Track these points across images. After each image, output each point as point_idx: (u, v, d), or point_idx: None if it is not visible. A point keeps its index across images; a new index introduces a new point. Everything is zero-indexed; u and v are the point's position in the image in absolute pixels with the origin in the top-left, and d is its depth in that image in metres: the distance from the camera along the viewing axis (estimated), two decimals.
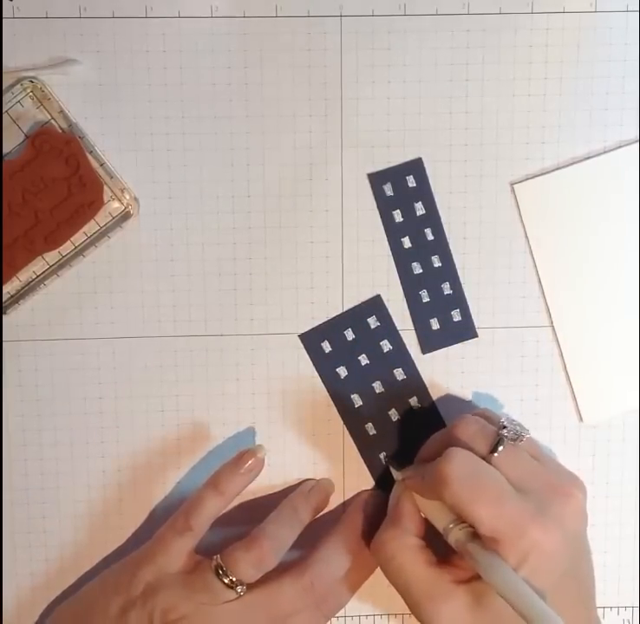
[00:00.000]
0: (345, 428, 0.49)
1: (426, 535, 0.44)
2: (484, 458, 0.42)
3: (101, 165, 0.46)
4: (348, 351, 0.49)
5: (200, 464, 0.49)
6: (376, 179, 0.48)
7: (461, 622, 0.41)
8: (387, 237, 0.49)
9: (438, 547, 0.43)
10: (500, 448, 0.42)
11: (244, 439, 0.49)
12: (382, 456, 0.49)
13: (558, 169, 0.49)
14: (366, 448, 0.50)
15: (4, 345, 0.48)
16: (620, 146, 0.48)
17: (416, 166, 0.48)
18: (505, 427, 0.43)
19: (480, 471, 0.41)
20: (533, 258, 0.49)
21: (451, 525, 0.41)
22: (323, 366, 0.49)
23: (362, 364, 0.49)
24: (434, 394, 0.50)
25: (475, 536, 0.40)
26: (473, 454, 0.42)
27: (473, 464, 0.41)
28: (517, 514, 0.39)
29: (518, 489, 0.41)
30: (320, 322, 0.49)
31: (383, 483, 0.49)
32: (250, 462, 0.45)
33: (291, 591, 0.44)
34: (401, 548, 0.43)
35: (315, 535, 0.46)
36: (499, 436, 0.42)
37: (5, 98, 0.46)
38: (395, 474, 0.47)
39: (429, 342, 0.49)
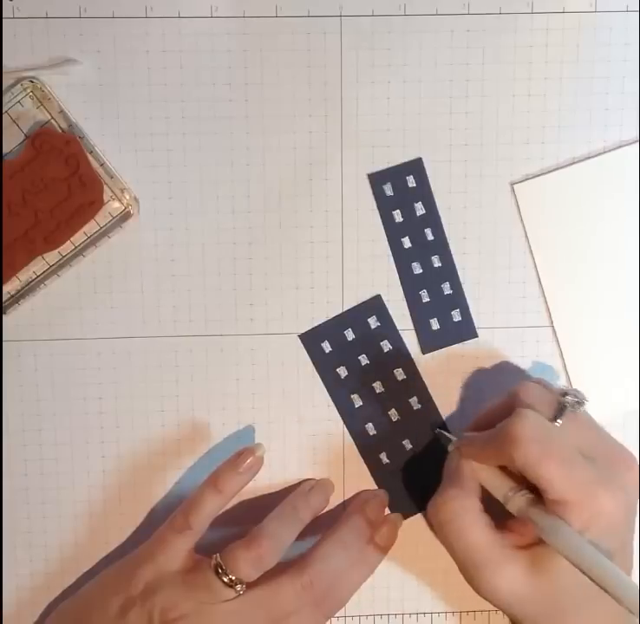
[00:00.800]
0: (345, 428, 0.49)
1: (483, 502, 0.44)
2: None
3: (101, 165, 0.46)
4: (348, 351, 0.49)
5: (200, 464, 0.49)
6: (376, 179, 0.48)
7: (521, 587, 0.41)
8: (387, 237, 0.49)
9: (493, 515, 0.43)
10: (564, 414, 0.42)
11: (244, 439, 0.49)
12: (436, 431, 0.49)
13: (558, 169, 0.49)
14: (366, 448, 0.49)
15: (4, 345, 0.48)
16: (620, 146, 0.48)
17: (416, 166, 0.48)
18: (566, 394, 0.43)
19: (552, 432, 0.41)
20: (533, 258, 0.49)
21: (510, 493, 0.41)
22: (323, 366, 0.49)
23: (362, 364, 0.49)
24: (434, 394, 0.49)
25: (536, 502, 0.40)
26: (541, 416, 0.41)
27: (544, 426, 0.41)
28: (586, 478, 0.40)
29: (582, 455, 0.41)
30: (320, 322, 0.49)
31: (383, 483, 0.49)
32: (249, 460, 0.45)
33: (291, 590, 0.44)
34: (462, 509, 0.42)
35: (315, 534, 0.46)
36: (562, 403, 0.42)
37: (5, 98, 0.46)
38: (448, 444, 0.46)
39: (429, 342, 0.49)
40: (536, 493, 0.41)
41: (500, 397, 0.45)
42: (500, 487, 0.42)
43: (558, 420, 0.42)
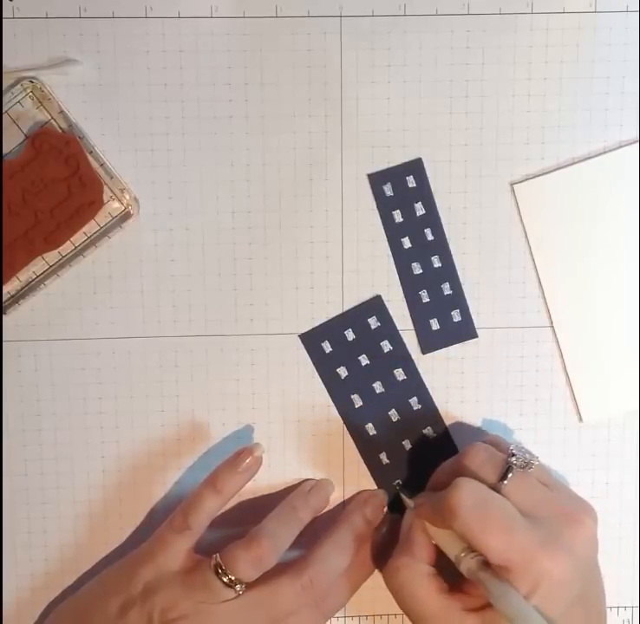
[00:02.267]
0: (345, 428, 0.49)
1: (437, 562, 0.44)
2: (493, 487, 0.42)
3: (101, 165, 0.46)
4: (348, 351, 0.49)
5: (200, 464, 0.49)
6: (376, 179, 0.48)
7: None
8: (387, 237, 0.49)
9: (448, 574, 0.43)
10: (509, 476, 0.42)
11: (243, 439, 0.49)
12: (395, 483, 0.49)
13: (558, 169, 0.49)
14: (366, 448, 0.49)
15: (4, 345, 0.48)
16: (620, 146, 0.48)
17: (416, 166, 0.48)
18: (513, 455, 0.43)
19: (489, 500, 0.41)
20: (533, 258, 0.49)
21: (462, 554, 0.41)
22: (323, 366, 0.49)
23: (363, 364, 0.49)
24: (434, 394, 0.49)
25: (487, 564, 0.40)
26: (480, 484, 0.41)
27: (481, 494, 0.41)
28: (526, 543, 0.40)
29: (528, 517, 0.41)
30: (320, 322, 0.49)
31: (383, 482, 0.49)
32: (247, 460, 0.45)
33: (290, 590, 0.44)
34: (413, 576, 0.43)
35: (314, 534, 0.46)
36: (508, 464, 0.42)
37: (5, 98, 0.46)
38: (407, 502, 0.47)
39: (429, 342, 0.49)
40: None
41: (454, 457, 0.45)
42: (453, 548, 0.42)
43: (504, 481, 0.42)
